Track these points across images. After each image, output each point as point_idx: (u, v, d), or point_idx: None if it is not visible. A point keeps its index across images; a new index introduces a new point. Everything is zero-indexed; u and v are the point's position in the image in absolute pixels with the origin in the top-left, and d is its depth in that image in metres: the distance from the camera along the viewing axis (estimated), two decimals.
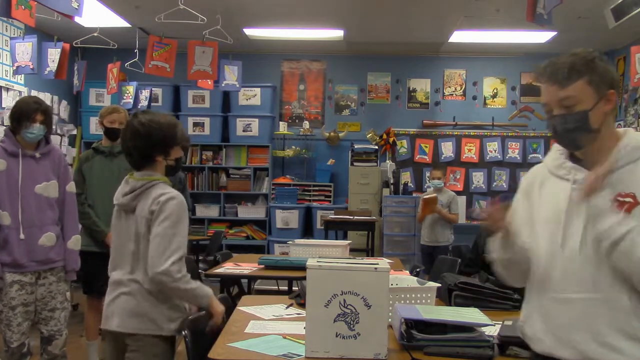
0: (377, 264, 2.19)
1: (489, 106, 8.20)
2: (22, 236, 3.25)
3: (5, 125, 3.52)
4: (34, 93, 6.94)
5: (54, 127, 7.39)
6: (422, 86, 8.25)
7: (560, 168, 1.83)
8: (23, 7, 3.76)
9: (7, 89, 6.45)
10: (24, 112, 3.26)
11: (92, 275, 4.05)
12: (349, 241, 5.22)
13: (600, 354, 1.64)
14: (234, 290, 5.11)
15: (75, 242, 3.49)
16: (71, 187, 3.50)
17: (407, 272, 4.35)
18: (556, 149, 1.88)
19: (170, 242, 2.32)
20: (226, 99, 7.98)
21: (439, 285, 2.92)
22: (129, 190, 2.47)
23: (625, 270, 1.63)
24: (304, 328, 2.21)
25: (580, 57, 1.74)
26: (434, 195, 6.21)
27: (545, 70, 1.77)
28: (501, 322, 2.43)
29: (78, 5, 3.89)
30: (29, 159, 3.33)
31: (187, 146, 2.88)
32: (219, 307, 2.47)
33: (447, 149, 8.09)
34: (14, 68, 5.72)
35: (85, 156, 4.27)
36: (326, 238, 6.66)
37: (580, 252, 1.70)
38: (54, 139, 7.44)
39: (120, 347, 2.41)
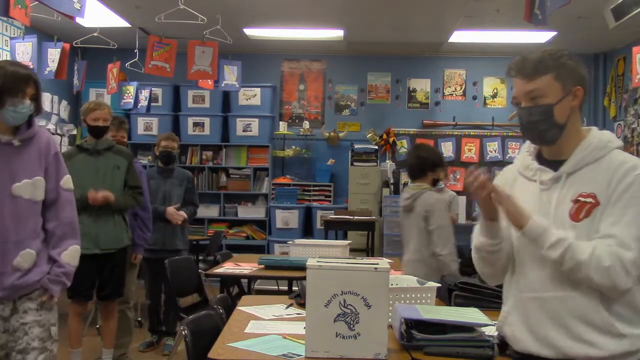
0: (377, 264, 2.19)
1: (489, 106, 8.20)
2: None
3: None
4: None
5: (54, 126, 7.37)
6: (422, 86, 8.25)
7: (527, 169, 1.85)
8: (20, 6, 3.74)
9: None
10: (12, 84, 2.39)
11: (78, 279, 3.11)
12: (349, 241, 5.22)
13: (577, 350, 1.66)
14: (234, 290, 5.11)
15: (72, 254, 2.57)
16: (67, 182, 2.61)
17: None
18: (524, 150, 1.90)
19: (443, 234, 3.65)
20: (226, 99, 7.98)
21: (439, 285, 2.92)
22: (408, 196, 3.80)
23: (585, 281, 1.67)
24: (304, 328, 2.20)
25: (549, 53, 1.79)
26: None
27: (515, 65, 1.82)
28: None
29: (80, 6, 3.88)
30: (5, 148, 2.43)
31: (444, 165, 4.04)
32: None
33: (447, 149, 8.09)
34: None
35: (68, 154, 3.99)
36: (326, 238, 6.66)
37: None
38: (54, 139, 7.42)
39: None
